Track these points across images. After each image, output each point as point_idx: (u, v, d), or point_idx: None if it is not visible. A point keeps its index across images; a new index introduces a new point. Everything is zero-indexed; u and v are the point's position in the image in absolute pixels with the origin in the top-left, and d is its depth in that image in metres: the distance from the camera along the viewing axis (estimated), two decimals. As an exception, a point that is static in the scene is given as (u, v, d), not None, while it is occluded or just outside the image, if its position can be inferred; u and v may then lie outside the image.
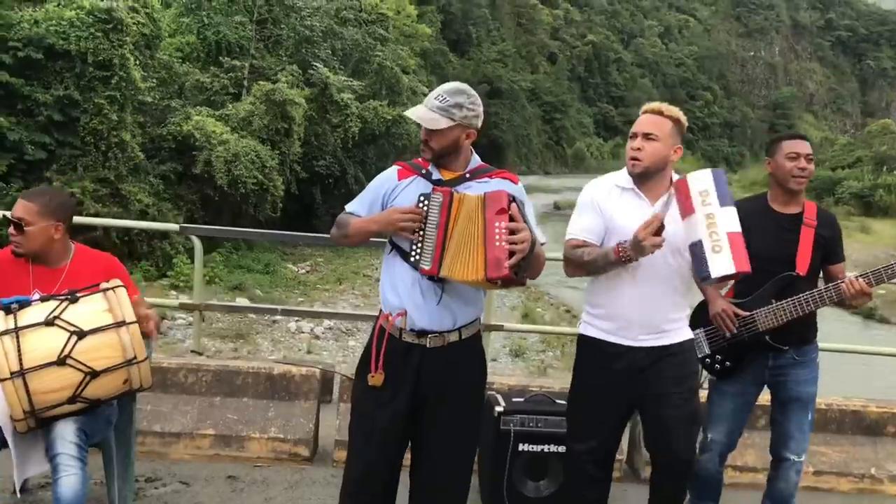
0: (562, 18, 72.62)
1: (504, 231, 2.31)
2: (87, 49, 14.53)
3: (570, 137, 61.34)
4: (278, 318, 14.73)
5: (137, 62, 16.00)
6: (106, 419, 2.86)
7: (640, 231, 2.54)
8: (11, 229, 2.84)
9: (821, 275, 3.22)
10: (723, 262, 2.47)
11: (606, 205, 2.79)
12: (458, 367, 2.57)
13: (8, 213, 2.95)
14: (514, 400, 3.60)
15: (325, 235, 5.47)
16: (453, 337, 2.55)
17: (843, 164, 36.70)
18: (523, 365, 12.25)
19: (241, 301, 15.37)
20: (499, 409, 3.50)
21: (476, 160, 2.64)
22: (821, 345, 3.25)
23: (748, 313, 3.08)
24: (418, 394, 2.55)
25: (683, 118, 2.79)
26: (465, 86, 2.57)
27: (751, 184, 38.69)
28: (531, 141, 54.44)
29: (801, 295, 3.05)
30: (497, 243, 2.31)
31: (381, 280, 2.65)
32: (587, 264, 2.74)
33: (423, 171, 2.58)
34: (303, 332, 14.01)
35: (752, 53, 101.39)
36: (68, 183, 14.65)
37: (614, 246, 2.65)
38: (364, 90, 22.84)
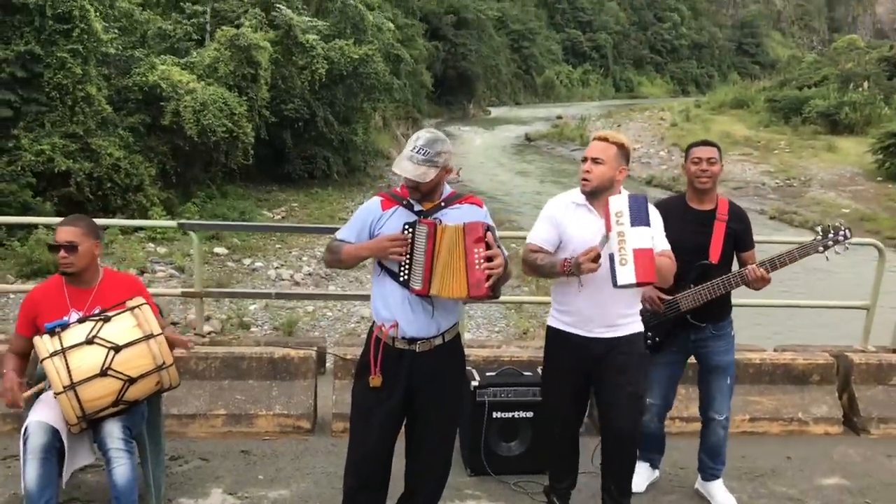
0: (527, -57, 70.85)
1: (482, 257, 2.79)
2: (45, 1, 14.25)
3: (538, 66, 60.72)
4: (258, 265, 15.06)
5: (98, 13, 15.72)
6: (141, 414, 3.35)
7: (581, 256, 3.04)
8: (63, 253, 3.22)
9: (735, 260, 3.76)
10: (627, 274, 2.94)
11: (563, 219, 3.27)
12: (443, 365, 3.05)
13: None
14: (488, 374, 4.12)
15: (322, 226, 5.88)
16: (438, 341, 3.03)
17: (809, 83, 36.85)
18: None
19: (220, 250, 15.65)
20: (474, 383, 4.03)
21: (447, 189, 3.06)
22: (756, 301, 3.71)
23: (671, 297, 3.63)
24: (410, 390, 3.03)
25: (628, 143, 3.25)
26: (435, 132, 2.96)
27: (719, 105, 38.63)
28: (500, 71, 53.91)
29: (714, 280, 3.61)
30: (477, 267, 2.79)
31: (372, 296, 3.08)
32: (539, 268, 3.25)
33: (405, 202, 2.99)
34: (283, 280, 14.28)
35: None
36: (37, 140, 14.62)
37: (562, 260, 3.15)
38: (329, 30, 22.56)
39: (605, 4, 74.07)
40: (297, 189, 21.45)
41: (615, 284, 2.97)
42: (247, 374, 4.43)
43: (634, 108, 45.76)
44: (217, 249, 15.65)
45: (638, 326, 3.34)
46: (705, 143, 3.74)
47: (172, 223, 5.47)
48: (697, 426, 4.34)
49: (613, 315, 3.24)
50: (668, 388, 3.84)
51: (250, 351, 4.49)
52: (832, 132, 29.60)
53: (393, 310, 2.97)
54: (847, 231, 3.58)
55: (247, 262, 15.32)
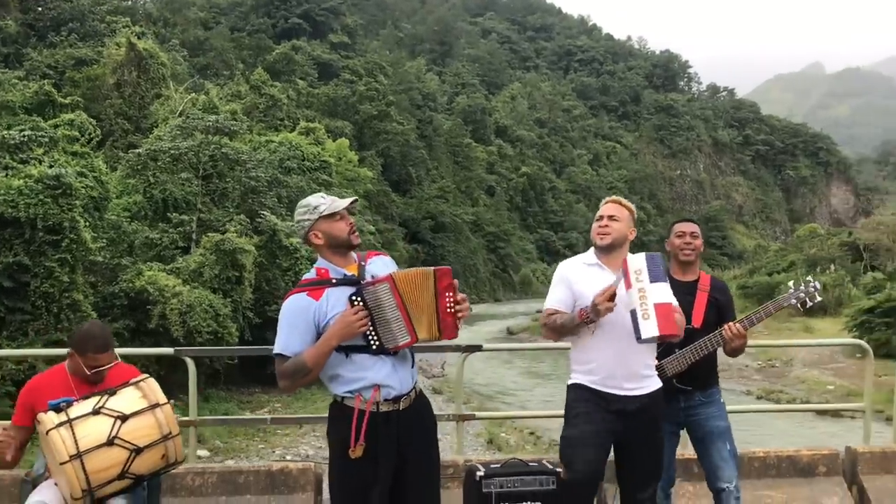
0: (496, 154, 76.01)
1: (453, 301, 2.86)
2: (36, 215, 14.73)
3: (515, 264, 62.95)
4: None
5: (87, 224, 16.28)
6: (142, 499, 3.24)
7: (597, 297, 3.10)
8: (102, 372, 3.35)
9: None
10: (650, 327, 3.03)
11: (573, 276, 3.39)
12: (422, 419, 3.00)
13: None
14: (492, 466, 3.99)
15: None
16: (413, 394, 2.97)
17: (778, 269, 38.17)
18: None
19: (202, 453, 15.10)
20: (479, 474, 3.86)
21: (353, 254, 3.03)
22: (756, 406, 3.65)
23: (658, 363, 3.65)
24: (401, 453, 2.89)
25: (635, 210, 3.48)
26: None
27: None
28: (478, 270, 55.71)
29: (696, 342, 3.72)
30: (449, 310, 2.85)
31: (333, 379, 2.92)
32: (559, 327, 3.31)
33: (333, 281, 2.91)
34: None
35: (678, 172, 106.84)
36: (20, 348, 14.54)
37: (578, 310, 3.22)
38: (312, 234, 23.43)
39: (574, 206, 78.25)
40: (280, 391, 21.12)
41: (639, 339, 3.04)
42: (244, 488, 4.26)
43: (613, 299, 46.61)
44: (200, 452, 15.12)
45: (658, 382, 3.39)
46: (687, 219, 4.02)
47: (170, 350, 5.59)
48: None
49: (638, 366, 3.28)
50: (667, 460, 3.74)
51: (248, 465, 4.33)
52: (806, 314, 29.99)
53: (370, 376, 2.87)
54: (817, 283, 3.84)
55: (230, 463, 14.76)
